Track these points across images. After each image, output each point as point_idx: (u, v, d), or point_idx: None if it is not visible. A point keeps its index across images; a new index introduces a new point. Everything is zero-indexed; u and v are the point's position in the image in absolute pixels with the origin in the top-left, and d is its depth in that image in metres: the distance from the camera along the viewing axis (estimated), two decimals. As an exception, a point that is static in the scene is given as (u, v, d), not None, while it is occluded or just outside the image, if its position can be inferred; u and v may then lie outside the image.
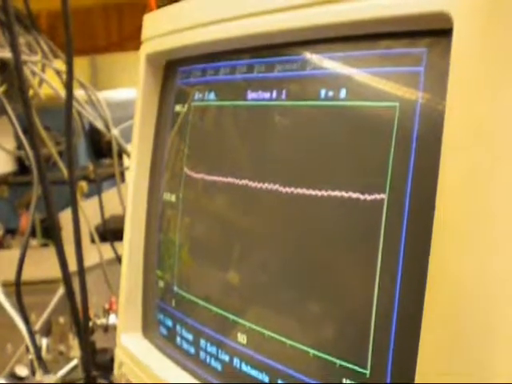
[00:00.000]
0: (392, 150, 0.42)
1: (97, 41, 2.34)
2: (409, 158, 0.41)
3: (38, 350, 0.91)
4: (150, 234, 0.67)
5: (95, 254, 1.23)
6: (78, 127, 1.25)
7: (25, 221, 1.87)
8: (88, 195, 1.85)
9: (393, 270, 0.41)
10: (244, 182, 0.53)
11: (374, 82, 0.44)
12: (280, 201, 0.50)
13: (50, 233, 1.56)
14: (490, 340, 0.35)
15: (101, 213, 1.27)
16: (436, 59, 0.40)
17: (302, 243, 0.48)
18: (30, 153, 0.95)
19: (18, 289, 0.92)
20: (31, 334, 0.89)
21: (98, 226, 1.35)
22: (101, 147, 1.62)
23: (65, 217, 1.45)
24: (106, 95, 2.05)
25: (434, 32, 0.40)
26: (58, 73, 1.24)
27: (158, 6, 1.63)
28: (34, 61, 1.14)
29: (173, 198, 0.64)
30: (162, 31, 0.64)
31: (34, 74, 1.16)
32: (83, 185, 1.87)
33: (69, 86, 0.94)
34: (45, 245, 1.80)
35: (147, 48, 0.66)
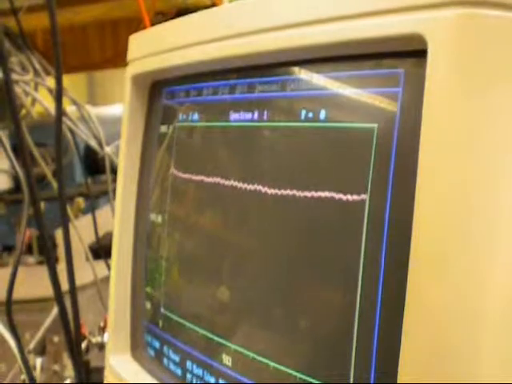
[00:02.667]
0: (371, 170, 0.42)
1: (92, 57, 2.34)
2: (387, 179, 0.41)
3: (30, 370, 0.90)
4: (138, 254, 0.67)
5: (90, 271, 1.22)
6: (70, 144, 1.25)
7: (19, 238, 1.87)
8: (85, 211, 1.85)
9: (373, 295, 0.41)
10: (231, 184, 0.53)
11: (353, 103, 0.44)
12: (266, 203, 0.50)
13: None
14: (470, 358, 0.35)
15: (95, 230, 1.27)
16: (413, 79, 0.40)
17: (284, 247, 0.48)
18: (21, 172, 0.95)
19: (8, 307, 0.91)
20: (23, 353, 0.88)
21: (93, 243, 1.35)
22: (97, 163, 1.63)
23: (60, 234, 1.45)
24: (102, 111, 2.06)
25: (411, 53, 0.40)
26: (50, 91, 1.25)
27: (153, 23, 1.63)
28: (26, 80, 1.14)
29: (159, 219, 0.63)
30: (146, 52, 0.64)
31: (26, 93, 1.16)
32: (80, 201, 1.87)
33: (58, 104, 0.94)
34: (41, 262, 1.79)
35: (133, 69, 0.66)
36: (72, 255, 0.97)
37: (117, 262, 0.67)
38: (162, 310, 0.63)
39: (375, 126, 0.42)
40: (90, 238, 1.32)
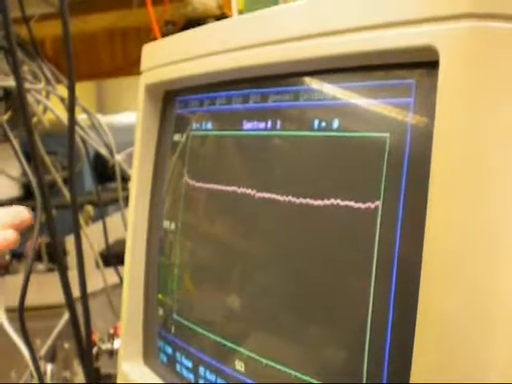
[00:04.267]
0: (383, 179, 0.43)
1: (102, 66, 2.36)
2: (400, 187, 0.41)
3: (41, 376, 0.91)
4: (151, 261, 0.68)
5: (100, 278, 1.23)
6: (81, 152, 1.26)
7: (30, 245, 1.87)
8: (95, 219, 1.86)
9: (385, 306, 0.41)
10: (244, 192, 0.54)
11: (365, 113, 0.45)
12: (279, 211, 0.50)
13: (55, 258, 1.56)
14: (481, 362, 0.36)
15: (105, 237, 1.28)
16: (425, 90, 0.41)
17: (298, 255, 0.49)
18: (33, 179, 0.96)
19: (21, 314, 0.92)
20: (35, 360, 0.89)
21: (103, 251, 1.36)
22: (107, 171, 1.64)
23: (71, 241, 1.46)
24: (112, 119, 2.07)
25: (423, 64, 0.41)
26: (62, 99, 1.26)
27: (162, 33, 1.65)
28: (38, 88, 1.15)
29: (172, 227, 0.64)
30: (160, 62, 0.65)
31: (38, 101, 1.17)
32: (89, 209, 1.88)
33: (71, 112, 0.95)
34: (51, 269, 1.80)
35: (146, 78, 0.67)
36: (83, 263, 0.98)
37: (130, 269, 0.68)
38: (175, 315, 0.63)
39: (387, 135, 0.43)
40: (99, 245, 1.33)
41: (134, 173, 0.68)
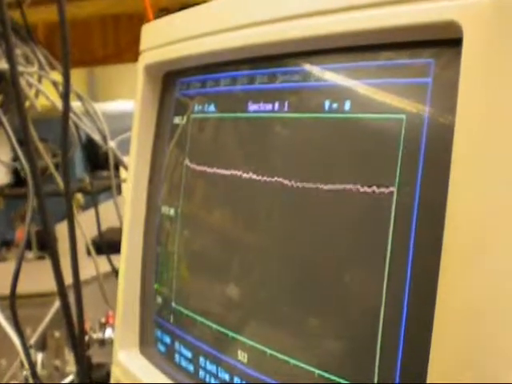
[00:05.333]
0: (399, 163, 0.41)
1: (94, 52, 2.33)
2: (416, 171, 0.40)
3: (32, 365, 0.89)
4: (148, 247, 0.66)
5: (91, 266, 1.21)
6: (74, 139, 1.24)
7: (20, 233, 1.86)
8: (85, 207, 1.84)
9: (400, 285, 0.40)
10: (249, 177, 0.52)
11: (379, 94, 0.43)
12: (286, 196, 0.48)
13: (45, 245, 1.55)
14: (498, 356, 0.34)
15: (97, 225, 1.26)
16: (444, 69, 0.39)
17: (306, 241, 0.47)
18: (26, 165, 0.94)
19: (12, 302, 0.90)
20: (26, 348, 0.87)
21: (94, 239, 1.34)
22: (98, 159, 1.61)
23: (61, 229, 1.44)
24: (103, 107, 2.05)
25: (441, 42, 0.39)
26: (54, 84, 1.23)
27: (156, 18, 1.62)
28: (31, 72, 1.13)
29: (171, 212, 0.62)
30: (160, 41, 0.63)
31: (30, 85, 1.14)
32: (79, 197, 1.86)
33: (65, 98, 0.93)
34: (41, 257, 1.78)
35: (146, 58, 0.65)
36: (76, 250, 0.96)
37: (126, 256, 0.66)
38: (174, 304, 0.61)
39: (403, 116, 0.41)
40: (90, 233, 1.31)
41: (131, 156, 0.66)
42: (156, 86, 0.65)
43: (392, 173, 0.41)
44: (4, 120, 0.95)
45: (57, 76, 1.27)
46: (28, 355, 0.87)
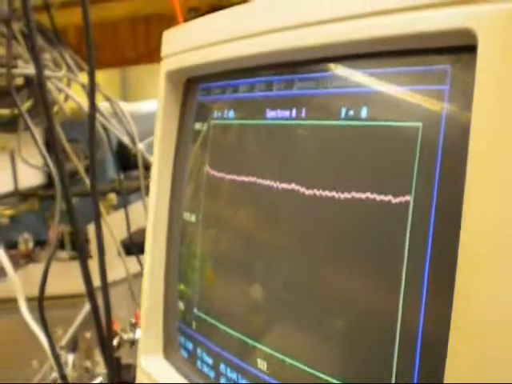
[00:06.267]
0: (415, 171, 0.40)
1: (124, 53, 2.35)
2: (433, 180, 0.39)
3: (61, 367, 0.90)
4: (171, 253, 0.66)
5: (122, 267, 1.22)
6: (102, 140, 1.25)
7: (53, 233, 1.88)
8: (117, 207, 1.85)
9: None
10: (267, 184, 0.52)
11: (396, 100, 0.43)
12: (303, 204, 0.48)
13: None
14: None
15: (127, 226, 1.26)
16: (461, 76, 0.38)
17: (322, 250, 0.47)
18: (53, 168, 0.95)
19: (40, 304, 0.91)
20: (53, 349, 0.88)
21: (124, 239, 1.35)
22: (129, 159, 1.62)
23: (92, 229, 1.45)
24: (135, 107, 2.06)
25: (458, 48, 0.38)
26: (83, 87, 1.25)
27: (185, 19, 1.62)
28: (59, 76, 1.14)
29: (192, 218, 0.62)
30: (181, 48, 0.63)
31: (59, 89, 1.16)
32: (112, 197, 1.87)
33: (91, 99, 0.94)
34: (74, 258, 1.80)
35: (167, 65, 0.65)
36: (104, 251, 0.97)
37: (150, 260, 0.66)
38: (195, 310, 0.61)
39: (420, 124, 0.40)
40: (121, 233, 1.32)
41: (154, 162, 0.66)
42: (177, 92, 0.65)
43: (408, 181, 0.40)
44: (31, 124, 0.96)
45: (86, 78, 1.28)
46: (56, 356, 0.88)
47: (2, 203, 2.05)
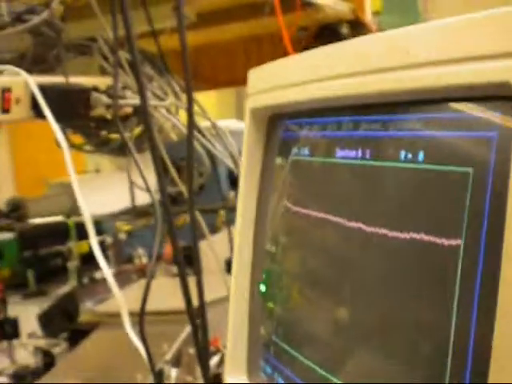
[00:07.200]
0: (466, 215, 0.42)
1: (238, 72, 2.41)
2: (482, 225, 0.40)
3: (159, 380, 0.95)
4: (254, 282, 0.69)
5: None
6: (218, 159, 1.29)
7: (168, 249, 1.95)
8: (229, 223, 1.90)
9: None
10: (336, 220, 0.54)
11: (449, 146, 0.44)
12: (364, 240, 0.51)
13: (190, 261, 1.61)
14: None
15: (230, 244, 1.30)
16: (507, 124, 0.40)
17: (378, 287, 0.49)
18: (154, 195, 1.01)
19: (141, 319, 0.95)
20: (152, 364, 0.93)
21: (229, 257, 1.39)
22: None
23: (202, 246, 1.50)
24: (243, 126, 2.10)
25: (506, 97, 0.40)
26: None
27: (295, 38, 1.66)
28: (166, 105, 1.20)
29: (273, 250, 0.65)
30: (264, 86, 0.66)
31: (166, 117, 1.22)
32: (223, 213, 1.92)
33: (190, 121, 0.98)
34: (188, 274, 1.85)
35: (251, 102, 0.69)
36: (201, 270, 1.02)
37: (234, 287, 0.70)
38: (274, 337, 0.64)
39: (470, 170, 0.42)
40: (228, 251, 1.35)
41: (239, 194, 0.70)
42: (261, 128, 0.69)
43: (459, 225, 0.42)
44: (134, 151, 1.03)
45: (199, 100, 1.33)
46: (154, 370, 0.93)
47: (121, 219, 2.16)
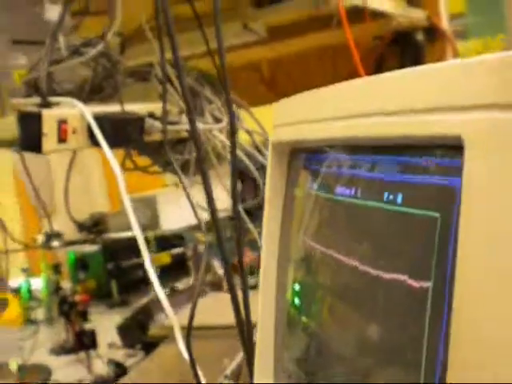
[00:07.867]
0: (435, 257, 0.43)
1: (314, 83, 2.42)
2: (446, 269, 0.42)
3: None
4: (279, 313, 0.72)
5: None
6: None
7: (246, 259, 1.97)
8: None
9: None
10: (337, 257, 0.57)
11: (422, 190, 0.46)
12: (351, 276, 0.53)
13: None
14: None
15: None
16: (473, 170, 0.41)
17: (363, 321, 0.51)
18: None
19: (188, 333, 0.96)
20: (197, 378, 0.95)
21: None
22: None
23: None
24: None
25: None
26: (248, 132, 1.34)
27: (371, 48, 1.67)
28: (220, 127, 1.23)
29: (296, 287, 0.68)
30: (287, 120, 0.69)
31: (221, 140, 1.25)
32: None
33: (232, 140, 1.00)
34: (253, 287, 1.88)
35: (275, 134, 0.71)
36: (247, 283, 1.03)
37: (261, 313, 0.73)
38: (291, 365, 0.67)
39: (437, 215, 0.43)
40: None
41: (264, 223, 0.72)
42: (283, 159, 0.71)
43: (429, 268, 0.43)
44: (182, 175, 1.06)
45: (251, 124, 1.36)
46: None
47: (199, 231, 2.22)
